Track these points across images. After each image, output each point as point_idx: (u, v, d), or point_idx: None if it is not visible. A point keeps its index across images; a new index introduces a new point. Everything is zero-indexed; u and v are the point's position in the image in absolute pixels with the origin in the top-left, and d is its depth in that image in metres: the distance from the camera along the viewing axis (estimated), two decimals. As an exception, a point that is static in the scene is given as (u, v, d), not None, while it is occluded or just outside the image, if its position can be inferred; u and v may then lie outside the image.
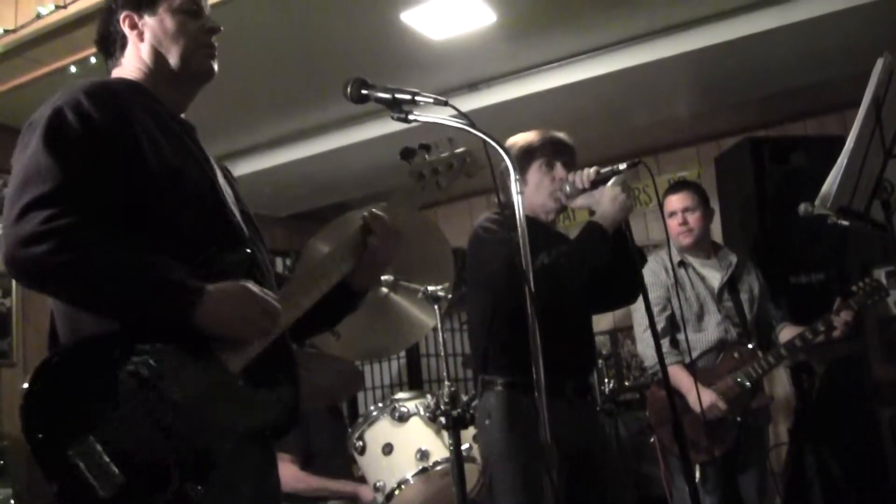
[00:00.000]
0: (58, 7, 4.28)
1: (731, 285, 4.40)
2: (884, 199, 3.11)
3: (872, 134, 3.01)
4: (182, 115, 2.23)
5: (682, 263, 4.44)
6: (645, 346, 4.34)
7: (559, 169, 3.30)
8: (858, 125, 3.00)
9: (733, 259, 4.46)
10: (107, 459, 1.69)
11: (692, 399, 3.96)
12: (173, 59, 2.17)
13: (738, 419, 4.12)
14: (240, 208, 2.21)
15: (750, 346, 4.25)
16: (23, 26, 4.42)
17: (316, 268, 2.13)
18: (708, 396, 4.05)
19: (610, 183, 3.12)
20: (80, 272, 1.79)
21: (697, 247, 4.48)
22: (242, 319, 1.88)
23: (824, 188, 3.04)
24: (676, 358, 4.21)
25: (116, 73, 2.21)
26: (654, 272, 4.36)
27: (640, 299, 3.89)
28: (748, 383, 4.11)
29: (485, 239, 3.24)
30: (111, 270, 1.80)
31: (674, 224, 4.44)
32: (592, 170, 3.15)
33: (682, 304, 4.26)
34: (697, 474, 4.03)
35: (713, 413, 4.04)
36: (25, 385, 1.73)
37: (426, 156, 2.30)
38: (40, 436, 1.69)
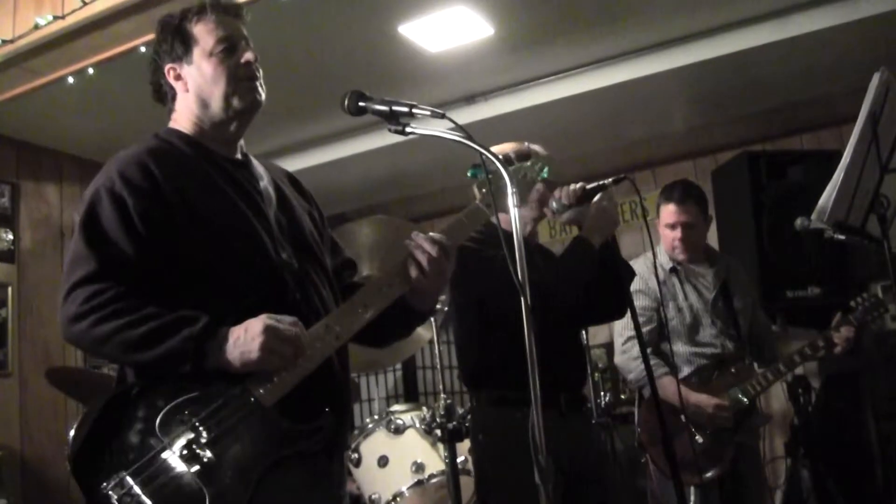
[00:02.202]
0: (56, 17, 4.28)
1: (724, 292, 4.19)
2: (880, 214, 3.12)
3: (869, 149, 3.02)
4: (241, 147, 2.34)
5: (674, 270, 4.20)
6: (627, 357, 4.09)
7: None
8: (855, 140, 3.00)
9: (728, 264, 4.28)
10: (137, 491, 1.82)
11: (693, 407, 3.86)
12: (217, 103, 2.22)
13: (736, 438, 3.96)
14: (293, 236, 2.26)
15: (746, 361, 4.11)
16: (20, 37, 4.42)
17: (359, 299, 2.16)
18: (711, 401, 3.90)
19: (596, 197, 3.13)
20: (110, 344, 1.97)
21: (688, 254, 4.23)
22: (264, 350, 1.95)
23: (821, 202, 3.05)
24: (664, 370, 3.98)
25: (173, 123, 2.29)
26: (643, 278, 4.10)
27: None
28: (746, 400, 3.97)
29: (473, 252, 3.24)
30: (131, 340, 1.96)
31: (670, 235, 4.20)
32: (579, 185, 3.16)
33: (674, 315, 4.08)
34: (692, 497, 3.88)
35: (720, 419, 3.89)
36: (77, 425, 1.97)
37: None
38: (82, 466, 1.89)
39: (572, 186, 3.17)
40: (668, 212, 4.22)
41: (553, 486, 2.85)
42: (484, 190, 2.33)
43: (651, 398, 3.97)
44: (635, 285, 4.05)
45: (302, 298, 2.16)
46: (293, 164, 6.44)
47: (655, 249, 4.16)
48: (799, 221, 3.48)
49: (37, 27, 4.33)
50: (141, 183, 2.07)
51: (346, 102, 2.24)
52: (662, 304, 4.08)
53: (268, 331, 1.95)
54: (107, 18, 4.20)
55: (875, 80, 3.04)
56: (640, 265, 4.10)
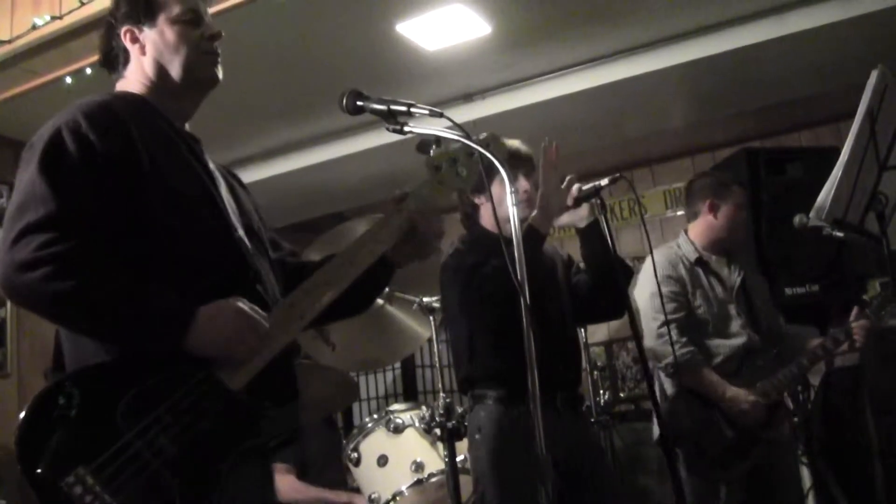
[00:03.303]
0: (54, 18, 4.28)
1: (744, 289, 4.14)
2: (878, 211, 3.11)
3: (867, 146, 3.02)
4: (186, 127, 2.23)
5: (700, 261, 4.12)
6: (664, 342, 3.87)
7: (521, 181, 3.28)
8: (853, 137, 3.00)
9: (742, 263, 4.24)
10: (99, 489, 1.69)
11: (728, 401, 3.80)
12: (175, 70, 2.15)
13: (766, 434, 3.87)
14: (244, 221, 2.18)
15: (773, 352, 4.01)
16: (18, 37, 4.42)
17: (323, 275, 2.09)
18: (749, 396, 3.82)
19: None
20: (71, 301, 1.79)
21: (722, 245, 4.19)
22: (233, 337, 1.86)
23: (819, 200, 3.05)
24: (701, 357, 3.89)
25: (121, 86, 2.20)
26: (672, 265, 4.06)
27: (651, 293, 3.85)
28: (776, 395, 3.89)
29: (454, 266, 3.24)
30: (102, 300, 1.80)
31: (741, 218, 4.19)
32: (574, 187, 3.15)
33: (702, 303, 4.00)
34: (722, 492, 3.79)
35: (754, 415, 3.81)
36: (22, 414, 1.74)
37: (443, 147, 2.23)
38: (34, 467, 1.71)
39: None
40: (742, 193, 4.23)
41: (551, 484, 2.86)
42: (441, 171, 2.21)
43: (677, 392, 3.96)
44: (663, 272, 3.99)
45: (258, 279, 2.07)
46: (291, 163, 6.46)
47: (678, 241, 4.20)
48: (797, 218, 3.48)
49: (34, 27, 4.33)
50: (109, 125, 1.95)
51: (343, 101, 2.23)
52: (691, 292, 4.03)
53: (239, 315, 1.87)
54: (104, 18, 4.19)
55: (873, 76, 3.04)
56: (665, 252, 4.11)
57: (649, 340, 3.93)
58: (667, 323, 3.87)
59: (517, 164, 3.28)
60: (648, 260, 4.03)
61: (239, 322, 1.87)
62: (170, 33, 2.16)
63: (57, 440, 1.72)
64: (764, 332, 4.07)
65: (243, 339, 1.87)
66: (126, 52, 2.19)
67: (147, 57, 2.16)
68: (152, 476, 1.73)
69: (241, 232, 2.12)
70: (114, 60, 2.22)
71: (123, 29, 2.17)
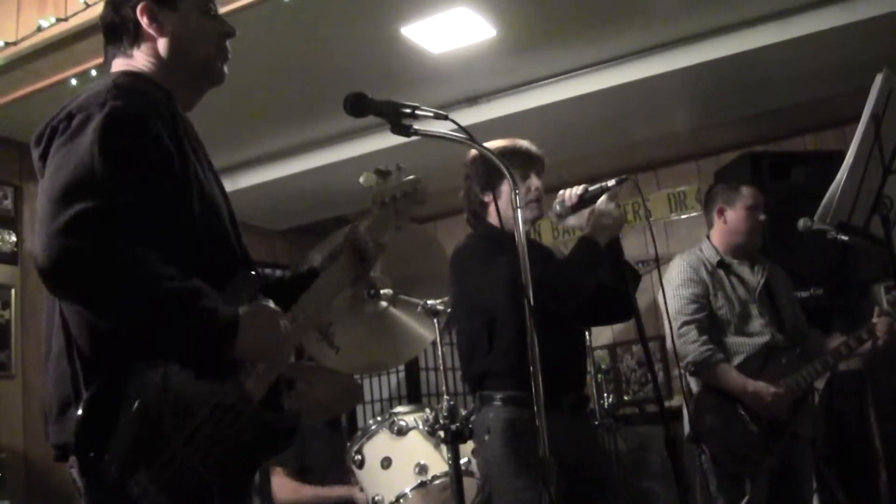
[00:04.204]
0: (59, 20, 4.28)
1: (768, 290, 4.21)
2: (883, 215, 3.12)
3: (871, 150, 3.02)
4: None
5: (722, 264, 4.22)
6: (684, 342, 4.03)
7: (533, 179, 3.30)
8: (858, 141, 3.01)
9: (767, 265, 4.30)
10: (154, 490, 1.69)
11: (751, 396, 3.87)
12: (194, 59, 2.13)
13: (790, 429, 3.95)
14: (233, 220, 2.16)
15: (797, 351, 4.08)
16: (24, 39, 4.42)
17: (322, 288, 2.12)
18: (770, 389, 3.91)
19: (601, 198, 3.13)
20: (126, 295, 1.72)
21: (742, 249, 4.29)
22: (274, 346, 1.85)
23: (823, 203, 3.05)
24: (721, 356, 3.99)
25: (122, 63, 2.12)
26: (694, 268, 4.17)
27: (664, 295, 3.90)
28: (799, 391, 3.95)
29: (468, 258, 3.25)
30: (159, 297, 1.74)
31: (754, 218, 4.24)
32: (581, 188, 3.16)
33: (723, 304, 4.09)
34: (747, 487, 3.83)
35: (777, 409, 3.89)
36: (79, 412, 1.73)
37: (385, 182, 2.29)
38: (98, 459, 1.69)
39: (574, 189, 3.17)
40: (753, 194, 4.29)
41: (557, 486, 2.87)
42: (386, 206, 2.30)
43: (703, 388, 4.05)
44: (686, 274, 4.15)
45: (252, 288, 2.04)
46: (295, 165, 6.46)
47: (702, 245, 4.31)
48: (802, 222, 3.48)
49: (40, 29, 4.33)
50: (158, 115, 1.90)
51: (348, 104, 2.24)
52: (712, 294, 4.12)
53: (285, 326, 1.87)
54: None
55: (877, 80, 3.04)
56: (688, 257, 4.24)
57: (671, 341, 4.01)
58: (687, 324, 4.01)
59: (530, 163, 3.32)
60: (672, 263, 4.25)
61: (278, 329, 1.86)
62: (195, 21, 2.12)
63: (114, 439, 1.69)
64: (788, 332, 4.14)
65: (282, 348, 1.88)
66: (137, 28, 2.10)
67: (165, 39, 2.10)
68: (201, 482, 1.73)
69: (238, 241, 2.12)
70: (118, 31, 2.13)
71: (141, 5, 2.08)
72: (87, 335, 1.84)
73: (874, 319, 3.98)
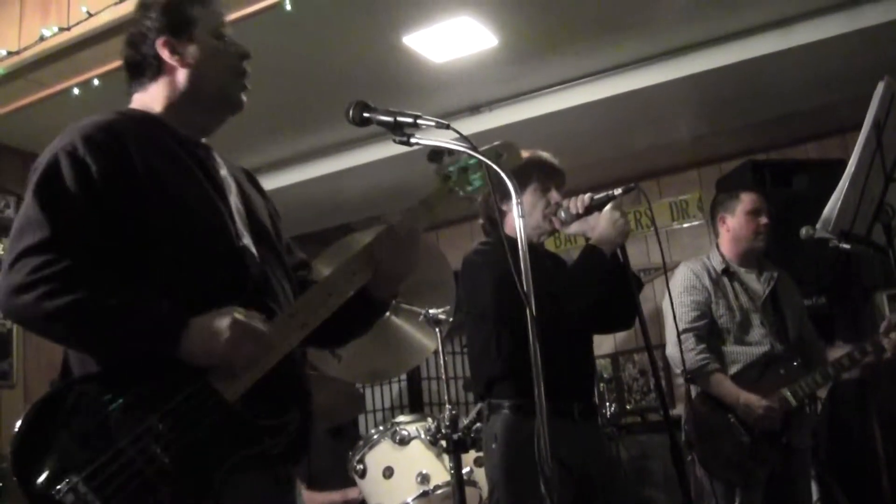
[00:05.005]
0: (61, 29, 4.30)
1: (774, 299, 4.20)
2: (885, 223, 3.11)
3: (873, 158, 3.02)
4: (203, 140, 2.23)
5: (727, 271, 4.22)
6: (676, 349, 4.00)
7: (553, 192, 3.30)
8: (859, 149, 3.00)
9: (776, 273, 4.28)
10: (91, 497, 1.70)
11: (743, 407, 3.86)
12: (211, 85, 2.16)
13: (784, 440, 3.94)
14: (254, 228, 2.17)
15: (796, 363, 4.06)
16: (26, 48, 4.43)
17: (325, 285, 2.10)
18: (762, 402, 3.88)
19: (607, 207, 3.12)
20: (64, 318, 1.82)
21: (749, 255, 4.29)
22: (228, 347, 1.84)
23: (826, 212, 3.05)
24: (715, 365, 3.99)
25: (139, 99, 2.18)
26: (697, 275, 4.18)
27: (672, 301, 3.85)
28: (795, 402, 3.92)
29: (481, 264, 3.24)
30: (94, 314, 1.83)
31: (756, 222, 4.24)
32: (587, 196, 3.15)
33: (724, 313, 4.09)
34: (737, 497, 3.84)
35: (768, 421, 3.87)
36: (17, 425, 1.78)
37: (454, 157, 2.22)
38: (30, 477, 1.74)
39: (580, 197, 3.17)
40: (752, 199, 4.31)
41: (565, 493, 2.86)
42: (452, 179, 2.22)
43: (700, 394, 4.06)
44: (688, 282, 4.16)
45: (263, 288, 2.06)
46: (298, 174, 6.46)
47: (710, 252, 4.33)
48: (804, 230, 3.48)
49: (42, 39, 4.34)
50: (107, 148, 1.96)
51: (350, 113, 2.23)
52: (714, 301, 4.13)
53: (235, 325, 1.85)
54: (112, 30, 4.21)
55: (879, 88, 3.03)
56: (692, 264, 4.25)
57: (670, 348, 4.11)
58: (685, 332, 4.01)
59: (551, 176, 3.33)
60: (677, 270, 4.27)
61: (235, 331, 1.85)
62: (209, 47, 2.16)
63: (51, 449, 1.74)
64: (791, 342, 4.13)
65: (239, 349, 1.86)
66: (159, 62, 2.14)
67: (185, 70, 2.14)
68: (145, 484, 1.73)
69: (246, 240, 2.11)
70: (140, 68, 2.17)
71: (161, 39, 2.12)
72: (71, 354, 1.99)
73: (881, 334, 3.96)
